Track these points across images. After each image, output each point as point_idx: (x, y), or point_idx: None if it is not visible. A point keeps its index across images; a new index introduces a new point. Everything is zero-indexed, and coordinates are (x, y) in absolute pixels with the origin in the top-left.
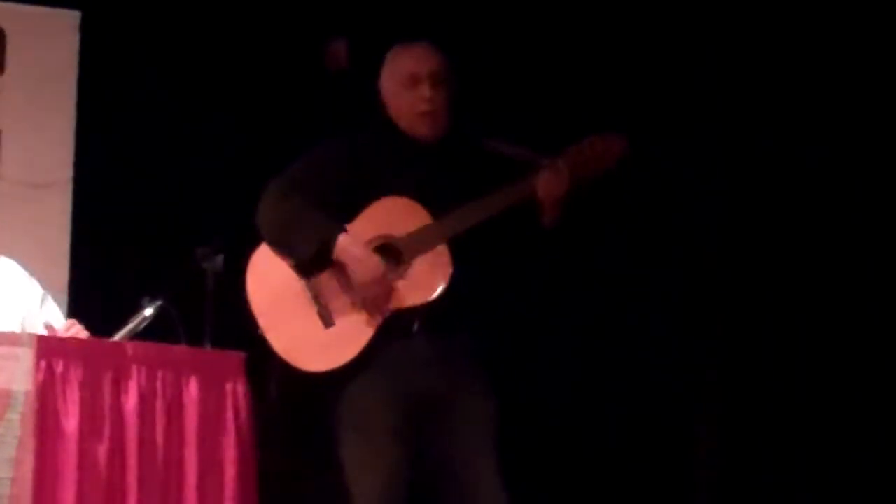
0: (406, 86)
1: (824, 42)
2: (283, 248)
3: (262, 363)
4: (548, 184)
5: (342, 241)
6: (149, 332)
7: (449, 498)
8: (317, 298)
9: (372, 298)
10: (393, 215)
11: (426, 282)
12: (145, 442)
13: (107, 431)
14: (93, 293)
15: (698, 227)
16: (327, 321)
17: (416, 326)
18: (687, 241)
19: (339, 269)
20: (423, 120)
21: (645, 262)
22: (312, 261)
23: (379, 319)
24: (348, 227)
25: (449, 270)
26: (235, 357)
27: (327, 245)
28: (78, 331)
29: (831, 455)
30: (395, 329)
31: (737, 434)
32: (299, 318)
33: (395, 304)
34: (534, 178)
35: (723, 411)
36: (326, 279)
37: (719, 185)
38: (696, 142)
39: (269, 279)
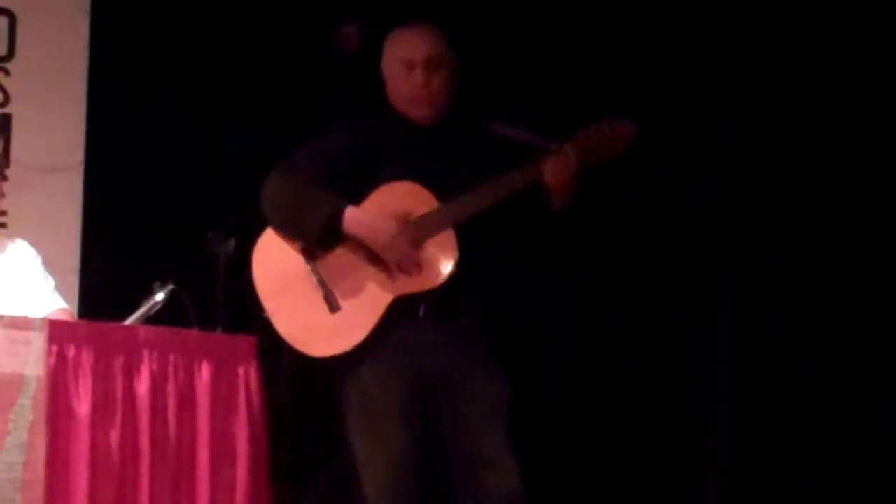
0: (401, 71)
1: (833, 30)
2: (289, 228)
3: (274, 347)
4: (555, 169)
5: (350, 212)
6: (160, 317)
7: (461, 479)
8: (322, 283)
9: (399, 258)
10: (399, 200)
11: (433, 267)
12: (157, 426)
13: (119, 416)
14: (104, 278)
15: (709, 219)
16: (333, 306)
17: (421, 310)
18: (698, 235)
19: (346, 249)
20: (418, 104)
21: (654, 255)
22: (320, 238)
23: (385, 303)
24: None
25: (455, 255)
26: (247, 341)
27: (336, 219)
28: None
29: (842, 457)
30: (400, 313)
31: (746, 436)
32: (305, 303)
33: (402, 289)
34: (541, 162)
35: (733, 412)
36: (332, 263)
37: (733, 176)
38: (707, 129)
39: (275, 264)
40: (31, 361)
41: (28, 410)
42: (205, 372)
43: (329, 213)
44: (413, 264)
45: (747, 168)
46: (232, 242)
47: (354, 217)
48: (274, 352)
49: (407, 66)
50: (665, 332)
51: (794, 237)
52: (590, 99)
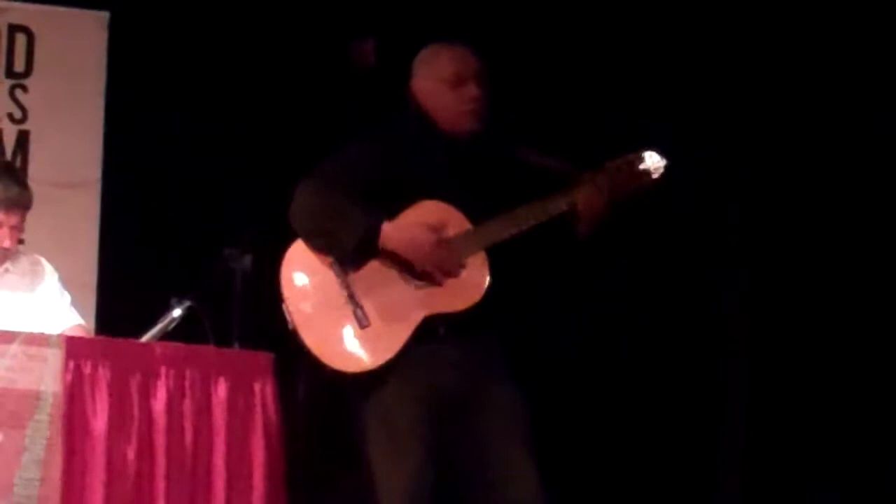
0: (451, 85)
1: (844, 39)
2: (323, 241)
3: (291, 363)
4: (589, 198)
5: (387, 228)
6: (177, 333)
7: (484, 491)
8: (352, 297)
9: (436, 269)
10: (431, 219)
11: (463, 289)
12: (173, 442)
13: (135, 432)
14: (121, 294)
15: (724, 220)
16: (362, 322)
17: (442, 329)
18: (713, 235)
19: (377, 265)
20: (469, 117)
21: (669, 261)
22: (354, 253)
23: (415, 322)
24: None
25: (486, 280)
26: (264, 357)
27: (372, 235)
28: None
29: (858, 454)
30: (423, 331)
31: (763, 433)
32: (334, 318)
33: (432, 308)
34: (575, 191)
35: (749, 408)
36: (362, 278)
37: (746, 179)
38: (720, 138)
39: (305, 276)
40: (48, 378)
41: (45, 427)
42: (221, 388)
43: (366, 228)
44: (449, 276)
45: (764, 174)
46: (248, 258)
47: (391, 232)
48: (290, 368)
49: (454, 82)
50: (678, 338)
51: (813, 238)
52: (608, 123)
